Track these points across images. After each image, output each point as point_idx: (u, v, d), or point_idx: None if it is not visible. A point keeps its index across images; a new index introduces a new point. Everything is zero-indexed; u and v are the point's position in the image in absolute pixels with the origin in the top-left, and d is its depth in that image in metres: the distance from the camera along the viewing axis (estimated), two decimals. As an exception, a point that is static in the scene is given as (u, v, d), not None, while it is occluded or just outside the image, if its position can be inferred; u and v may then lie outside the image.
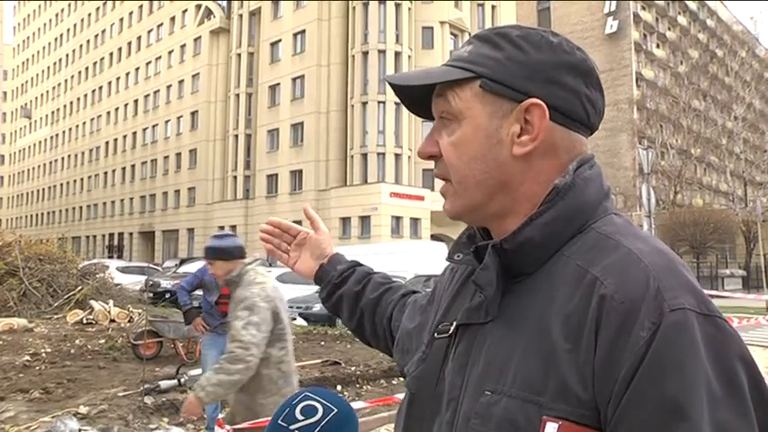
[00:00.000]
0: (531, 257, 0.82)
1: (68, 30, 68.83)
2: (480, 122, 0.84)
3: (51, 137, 71.24)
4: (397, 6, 37.52)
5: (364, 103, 36.79)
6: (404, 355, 1.10)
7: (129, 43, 58.11)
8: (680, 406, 0.66)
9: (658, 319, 0.69)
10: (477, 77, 0.84)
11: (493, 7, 42.28)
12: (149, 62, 55.31)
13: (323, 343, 11.01)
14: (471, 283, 0.90)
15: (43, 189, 72.41)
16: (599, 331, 0.71)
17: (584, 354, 0.72)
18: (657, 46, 56.38)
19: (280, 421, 0.80)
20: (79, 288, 14.23)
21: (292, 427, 0.79)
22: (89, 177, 63.15)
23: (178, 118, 51.19)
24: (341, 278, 1.32)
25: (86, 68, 64.72)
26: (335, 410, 0.81)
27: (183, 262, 28.39)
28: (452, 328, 0.89)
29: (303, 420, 0.80)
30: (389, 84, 0.91)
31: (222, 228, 44.25)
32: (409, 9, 38.12)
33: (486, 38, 0.87)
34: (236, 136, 44.66)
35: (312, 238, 1.37)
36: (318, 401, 0.81)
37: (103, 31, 62.35)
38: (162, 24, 54.14)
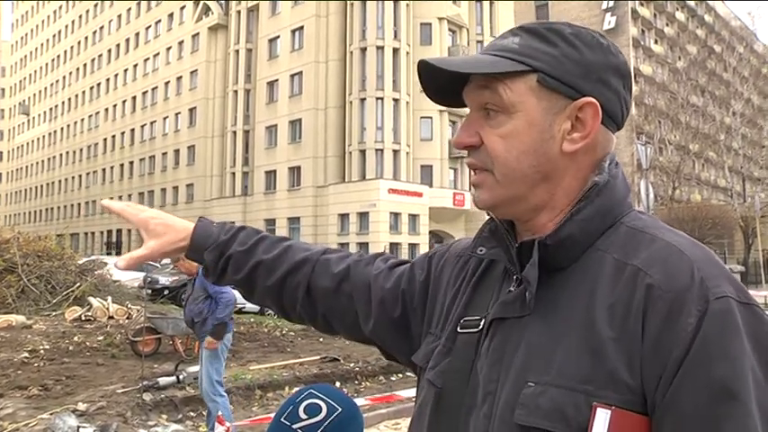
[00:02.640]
0: (569, 253, 0.84)
1: (66, 26, 68.68)
2: (534, 117, 0.84)
3: (49, 133, 71.13)
4: (395, 3, 37.46)
5: (362, 100, 36.76)
6: (409, 340, 1.06)
7: (127, 40, 57.99)
8: (729, 388, 0.69)
9: (704, 307, 0.72)
10: (534, 71, 0.84)
11: (491, 3, 42.23)
12: (147, 59, 55.21)
13: (321, 339, 11.00)
14: (504, 276, 0.92)
15: (41, 186, 72.32)
16: (646, 319, 0.74)
17: (631, 341, 0.74)
18: (656, 42, 56.35)
19: (282, 419, 0.77)
20: (78, 285, 14.20)
21: (295, 426, 0.76)
22: (87, 174, 63.09)
23: (176, 114, 51.12)
24: (220, 269, 1.15)
25: (84, 65, 64.60)
26: (340, 409, 0.78)
27: (181, 259, 28.31)
28: (483, 322, 0.89)
29: (306, 419, 0.76)
30: (422, 67, 0.88)
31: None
32: (407, 5, 38.05)
33: (535, 31, 0.87)
34: (235, 132, 44.61)
35: (151, 237, 1.17)
36: (323, 399, 0.78)
37: (101, 28, 62.23)
38: (160, 21, 54.02)
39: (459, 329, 0.93)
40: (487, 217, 0.96)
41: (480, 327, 0.90)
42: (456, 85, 0.90)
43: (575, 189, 0.87)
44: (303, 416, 0.77)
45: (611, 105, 0.87)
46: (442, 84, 0.90)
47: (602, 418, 0.72)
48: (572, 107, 0.84)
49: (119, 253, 50.17)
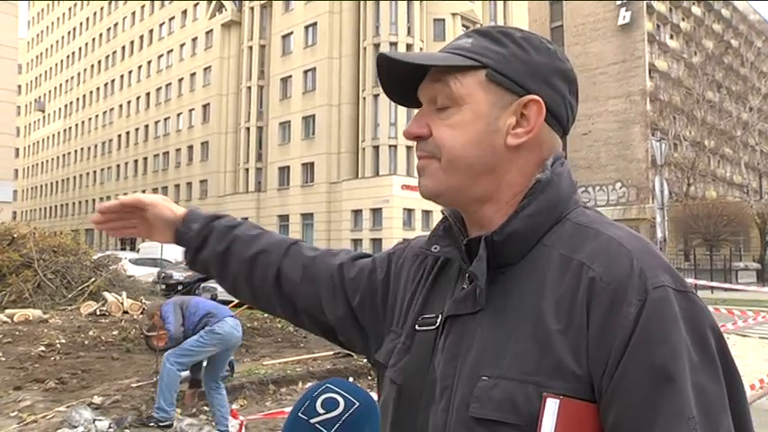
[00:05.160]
0: (516, 248, 0.88)
1: (81, 23, 69.18)
2: (481, 109, 0.89)
3: (64, 130, 71.76)
4: (409, -2, 37.41)
5: (376, 96, 36.75)
6: (363, 332, 1.09)
7: (141, 36, 58.33)
8: (668, 371, 0.74)
9: (643, 296, 0.77)
10: (483, 67, 0.89)
11: (505, -1, 42.05)
12: (161, 55, 55.51)
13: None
14: (459, 274, 0.95)
15: (57, 182, 73.00)
16: (590, 310, 0.79)
17: (577, 332, 0.79)
18: (671, 37, 55.81)
19: (300, 414, 0.76)
20: (92, 280, 14.33)
21: (313, 420, 0.75)
22: (102, 170, 63.62)
23: (190, 111, 51.38)
24: (200, 240, 1.20)
25: (99, 62, 65.07)
26: (357, 404, 0.77)
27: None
28: (439, 320, 0.93)
29: (324, 414, 0.76)
30: (381, 62, 0.92)
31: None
32: (421, 1, 37.96)
33: (487, 33, 0.93)
34: (248, 128, 44.76)
35: (150, 216, 1.23)
36: (340, 394, 0.77)
37: (116, 25, 62.63)
38: (174, 17, 54.28)
39: (416, 327, 0.96)
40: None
41: (437, 324, 0.93)
42: (415, 83, 0.95)
43: (519, 184, 0.91)
44: (321, 410, 0.76)
45: (556, 106, 0.91)
46: (401, 83, 0.95)
47: (551, 407, 0.76)
48: (517, 103, 0.89)
49: (133, 248, 50.53)
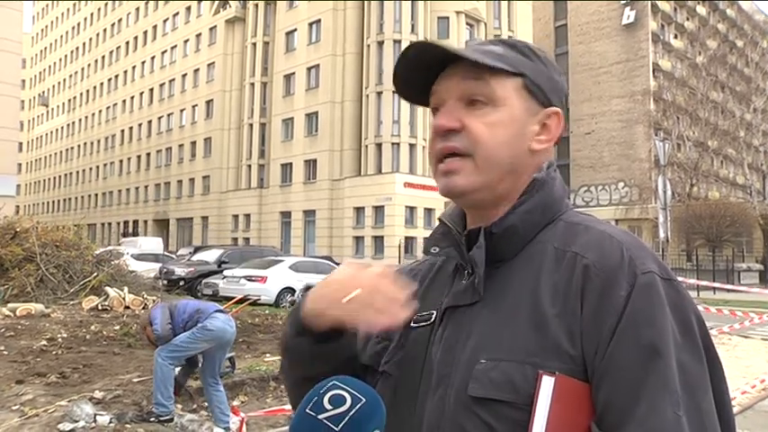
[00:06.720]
0: (512, 243, 0.94)
1: (85, 19, 69.21)
2: (517, 114, 0.95)
3: (68, 125, 71.81)
4: (413, -4, 37.35)
5: (379, 93, 36.72)
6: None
7: (145, 32, 58.33)
8: (656, 347, 0.80)
9: (633, 281, 0.83)
10: (521, 75, 0.96)
11: (509, -3, 41.95)
12: (165, 51, 55.51)
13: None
14: (456, 273, 0.99)
15: (60, 176, 73.09)
16: (584, 295, 0.85)
17: (572, 315, 0.84)
18: (675, 36, 55.65)
19: (307, 410, 0.78)
20: (94, 275, 14.37)
21: (320, 416, 0.78)
22: (105, 165, 63.66)
23: (193, 107, 51.39)
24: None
25: (103, 57, 65.08)
26: (364, 400, 0.79)
27: (197, 250, 28.52)
28: (435, 314, 0.97)
29: (331, 410, 0.78)
30: (419, 48, 0.93)
31: (236, 216, 44.53)
32: (425, -2, 37.93)
33: (513, 45, 1.00)
34: (251, 125, 44.77)
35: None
36: (347, 391, 0.79)
37: (120, 21, 62.63)
38: (178, 14, 54.26)
39: (411, 325, 0.98)
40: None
41: (432, 319, 0.97)
42: (428, 79, 0.98)
43: (528, 185, 0.97)
44: (328, 407, 0.78)
45: (564, 120, 1.00)
46: (416, 76, 0.98)
47: (547, 384, 0.81)
48: (543, 113, 0.97)
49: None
